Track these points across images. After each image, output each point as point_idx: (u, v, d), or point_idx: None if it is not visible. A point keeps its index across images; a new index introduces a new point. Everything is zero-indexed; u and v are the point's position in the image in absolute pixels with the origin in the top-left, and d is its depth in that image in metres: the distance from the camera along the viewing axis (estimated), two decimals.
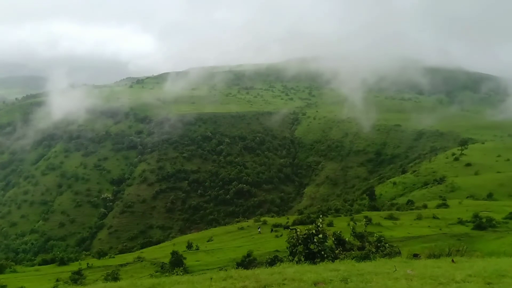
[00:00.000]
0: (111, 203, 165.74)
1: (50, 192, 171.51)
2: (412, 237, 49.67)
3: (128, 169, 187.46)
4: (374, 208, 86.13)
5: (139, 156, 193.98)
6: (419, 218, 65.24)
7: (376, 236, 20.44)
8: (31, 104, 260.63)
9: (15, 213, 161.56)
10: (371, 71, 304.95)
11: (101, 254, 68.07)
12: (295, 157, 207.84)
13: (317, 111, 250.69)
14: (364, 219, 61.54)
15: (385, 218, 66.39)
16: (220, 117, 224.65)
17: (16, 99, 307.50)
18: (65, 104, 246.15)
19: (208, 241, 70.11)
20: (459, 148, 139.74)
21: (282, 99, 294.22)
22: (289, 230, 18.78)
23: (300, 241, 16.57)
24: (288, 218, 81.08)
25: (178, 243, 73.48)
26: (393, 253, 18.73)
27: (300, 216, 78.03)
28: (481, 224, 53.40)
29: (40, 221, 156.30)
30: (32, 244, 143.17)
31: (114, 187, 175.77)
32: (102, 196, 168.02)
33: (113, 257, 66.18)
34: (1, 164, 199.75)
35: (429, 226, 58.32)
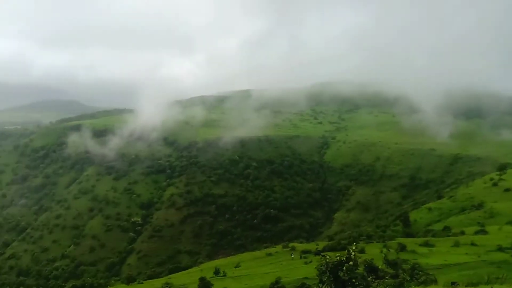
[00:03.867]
0: (140, 227, 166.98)
1: (81, 216, 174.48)
2: (449, 264, 46.92)
3: (157, 193, 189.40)
4: (408, 235, 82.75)
5: (168, 180, 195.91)
6: (456, 245, 61.92)
7: (411, 264, 19.22)
8: (65, 128, 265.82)
9: (46, 237, 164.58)
10: (405, 93, 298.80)
11: (130, 280, 68.23)
12: (324, 182, 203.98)
13: (347, 135, 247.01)
14: (398, 246, 59.32)
15: (420, 245, 63.43)
16: (247, 141, 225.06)
17: (50, 122, 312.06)
18: (98, 127, 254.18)
19: (235, 267, 68.94)
20: (498, 173, 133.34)
21: (310, 122, 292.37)
22: (320, 256, 17.84)
23: (329, 268, 15.65)
24: (317, 244, 78.93)
25: (206, 268, 72.66)
26: (428, 281, 17.47)
27: (330, 242, 75.86)
28: None
29: (72, 245, 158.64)
30: (63, 269, 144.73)
31: (143, 211, 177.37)
32: (132, 220, 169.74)
33: (142, 283, 66.09)
34: (35, 187, 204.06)
35: (466, 253, 55.21)
